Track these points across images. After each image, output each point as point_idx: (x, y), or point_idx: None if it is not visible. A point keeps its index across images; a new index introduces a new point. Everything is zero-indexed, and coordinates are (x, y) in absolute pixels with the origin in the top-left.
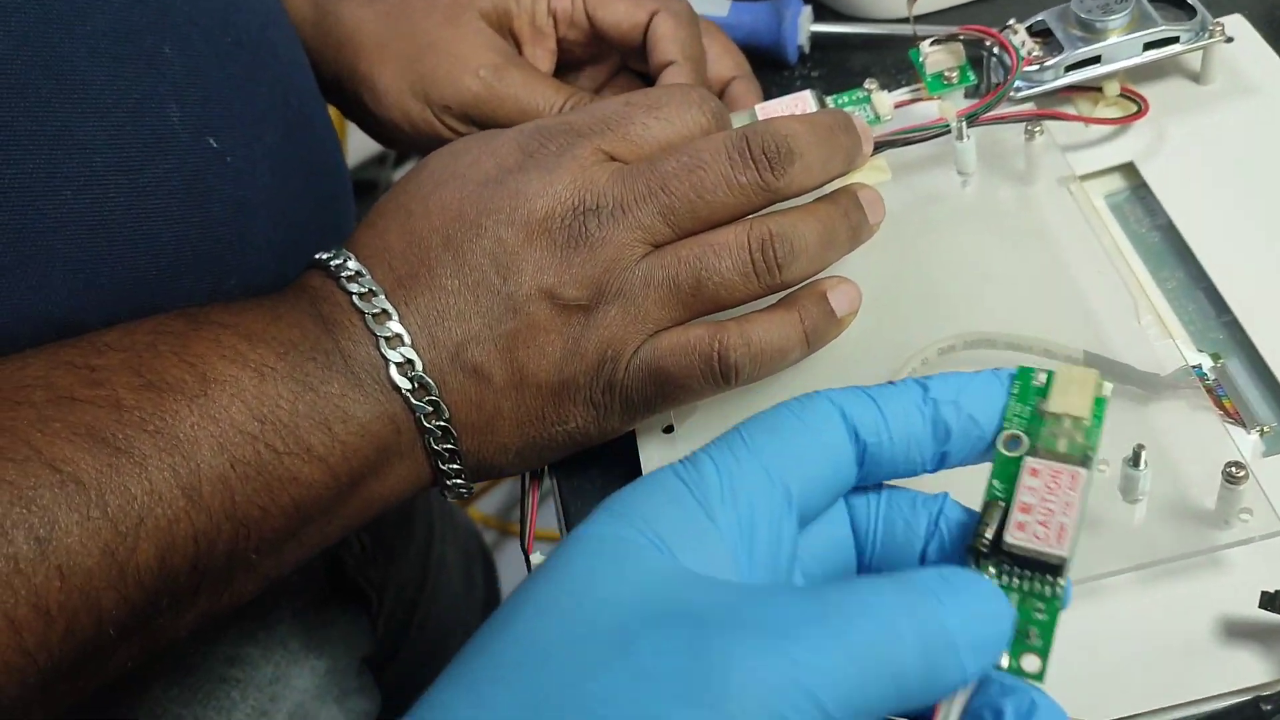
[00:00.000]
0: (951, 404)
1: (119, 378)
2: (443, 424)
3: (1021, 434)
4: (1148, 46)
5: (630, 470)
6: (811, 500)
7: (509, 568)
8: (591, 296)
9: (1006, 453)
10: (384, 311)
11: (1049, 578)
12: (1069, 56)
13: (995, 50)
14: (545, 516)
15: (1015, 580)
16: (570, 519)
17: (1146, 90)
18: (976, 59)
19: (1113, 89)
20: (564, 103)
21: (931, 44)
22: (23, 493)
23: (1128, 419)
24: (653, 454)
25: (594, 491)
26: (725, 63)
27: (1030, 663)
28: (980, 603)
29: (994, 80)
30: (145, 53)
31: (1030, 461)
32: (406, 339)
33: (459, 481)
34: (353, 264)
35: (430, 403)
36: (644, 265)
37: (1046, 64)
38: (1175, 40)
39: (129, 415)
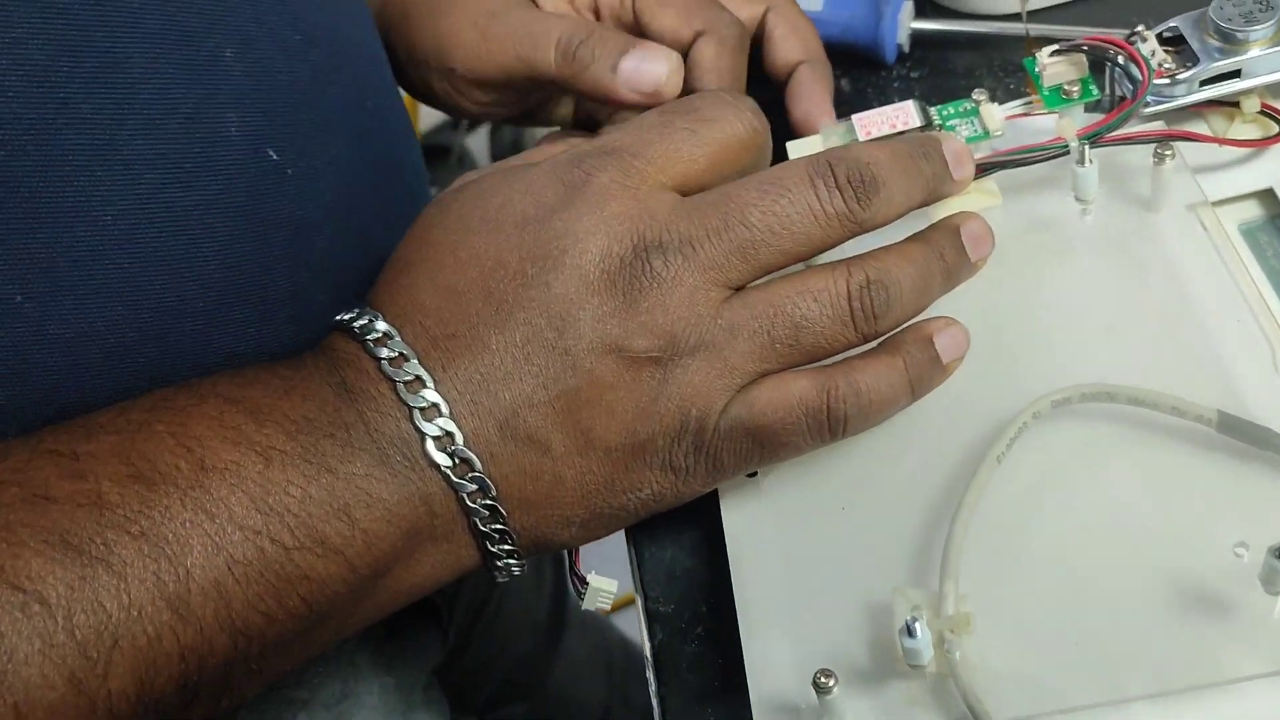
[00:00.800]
0: None
1: (105, 468)
2: (490, 502)
3: None
4: None
5: (710, 510)
6: None
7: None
8: (665, 348)
9: None
10: (417, 379)
11: None
12: (1204, 70)
13: (1121, 60)
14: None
15: None
16: (639, 545)
17: None
18: (1098, 66)
19: (1252, 105)
20: (567, 33)
21: (1051, 54)
22: None
23: (1269, 492)
24: (735, 497)
25: (668, 533)
26: (791, 44)
27: None
28: None
29: (1119, 94)
30: (204, 57)
31: None
32: (444, 408)
33: (511, 561)
34: (381, 324)
35: (475, 479)
36: (728, 312)
37: (1179, 77)
38: None
39: (110, 515)
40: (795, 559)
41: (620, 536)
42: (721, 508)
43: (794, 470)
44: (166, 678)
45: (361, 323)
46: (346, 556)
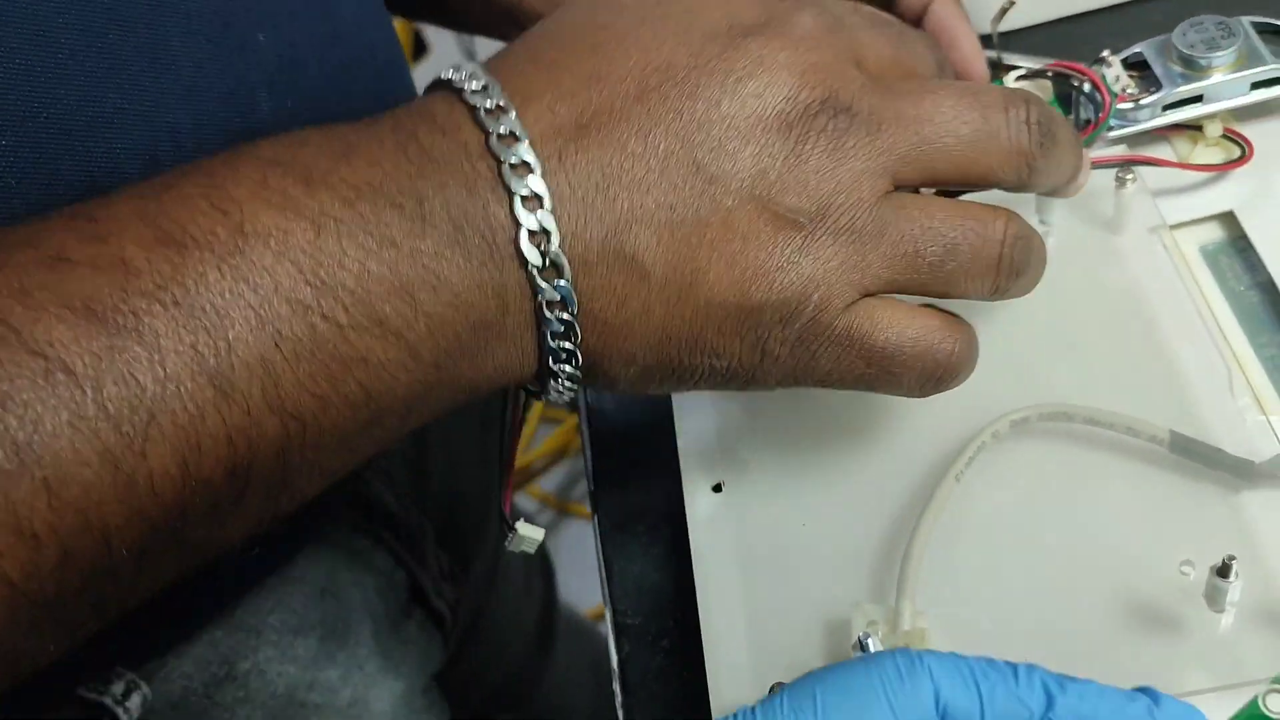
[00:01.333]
0: None
1: (128, 231)
2: (568, 317)
3: None
4: (1255, 86)
5: (673, 509)
6: None
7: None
8: (814, 216)
9: None
10: (524, 164)
11: None
12: (1167, 95)
13: (1086, 88)
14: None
15: None
16: (609, 559)
17: (1251, 131)
18: (1065, 94)
19: (1214, 130)
20: None
21: (1017, 79)
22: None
23: (1217, 512)
24: (699, 510)
25: (638, 550)
26: None
27: None
28: None
29: (1084, 118)
30: (238, 38)
31: None
32: (548, 202)
33: (566, 385)
34: (498, 95)
35: (560, 289)
36: (886, 207)
37: (1143, 102)
38: None
39: (137, 282)
40: (757, 573)
41: (591, 549)
42: (688, 522)
43: (758, 485)
44: (214, 461)
45: (474, 87)
46: (408, 341)
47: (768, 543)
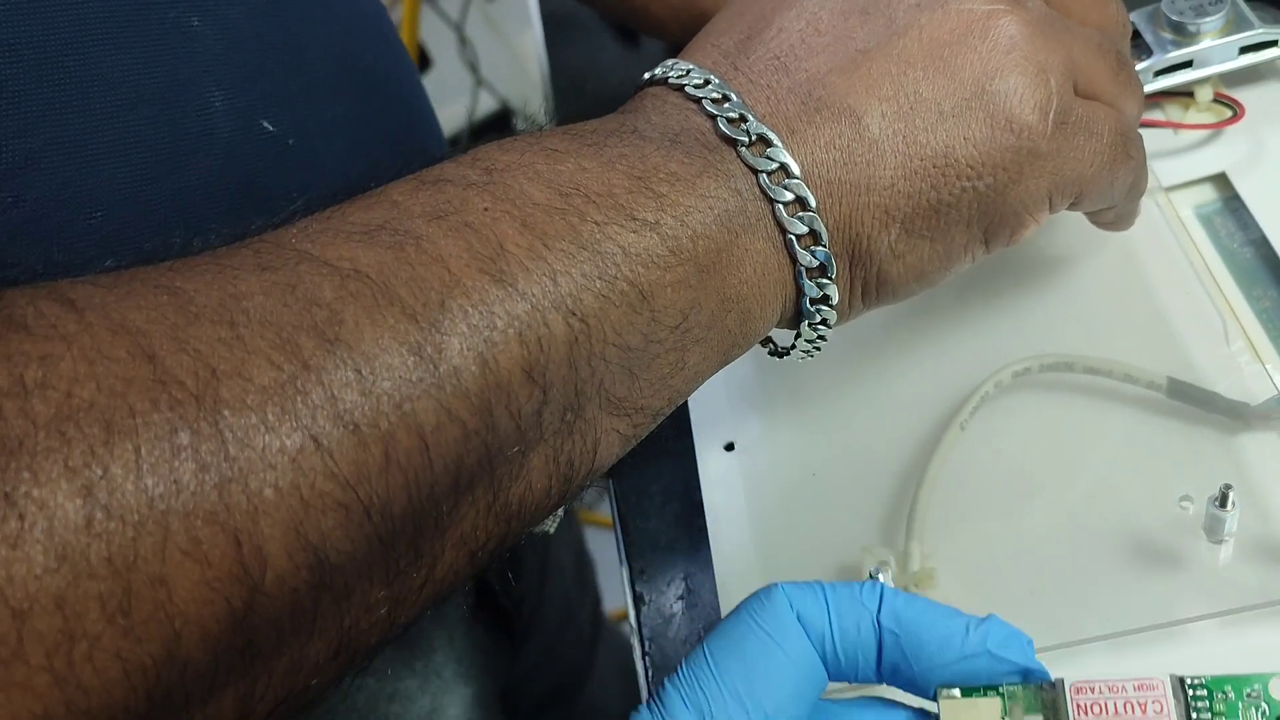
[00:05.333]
0: (893, 635)
1: (393, 191)
2: (795, 181)
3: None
4: (1244, 50)
5: (689, 484)
6: (791, 710)
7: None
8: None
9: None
10: (707, 81)
11: None
12: (1159, 61)
13: None
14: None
15: None
16: (630, 544)
17: (1242, 96)
18: None
19: (1205, 95)
20: None
21: None
22: (299, 291)
23: (1214, 451)
24: (712, 469)
25: (653, 509)
26: None
27: None
28: None
29: None
30: (168, 27)
31: None
32: (734, 96)
33: (825, 280)
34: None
35: (773, 155)
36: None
37: (1135, 68)
38: (1274, 44)
39: (401, 211)
40: (769, 522)
41: (602, 554)
42: (700, 480)
43: (768, 441)
44: (507, 360)
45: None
46: (661, 232)
47: (779, 494)
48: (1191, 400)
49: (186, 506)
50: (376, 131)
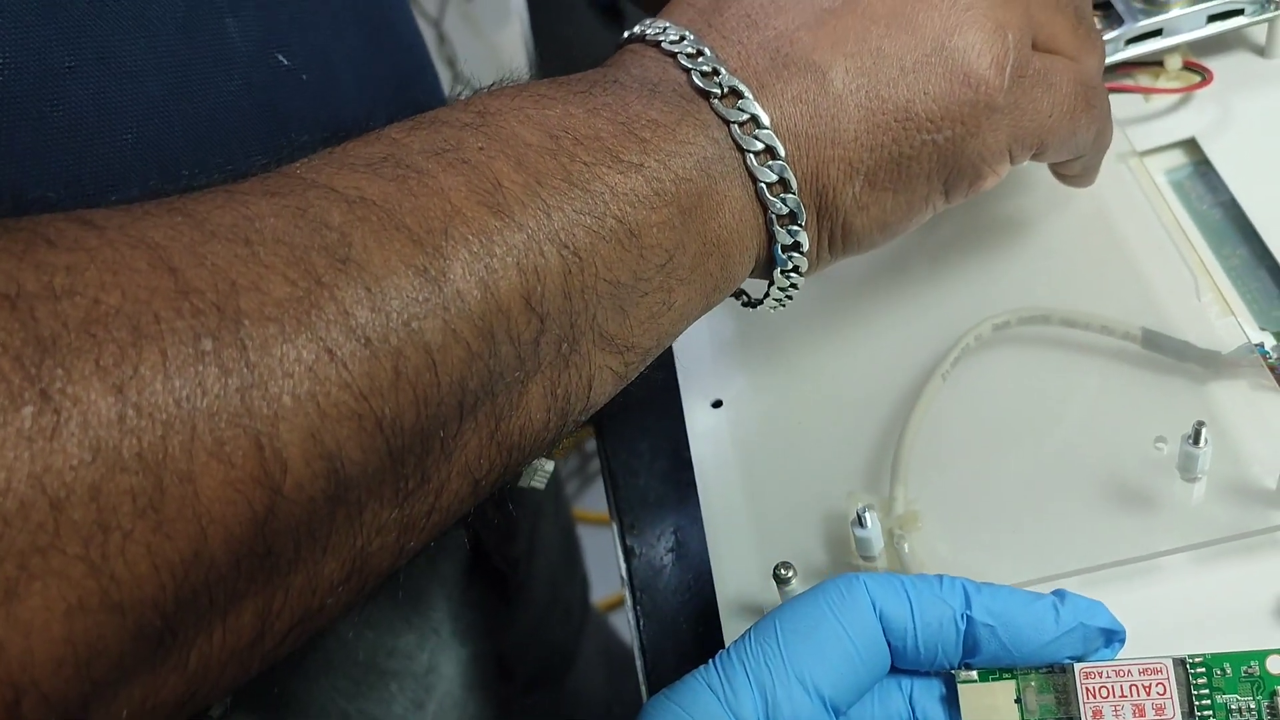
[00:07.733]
0: (989, 628)
1: (392, 131)
2: (766, 131)
3: None
4: (1211, 19)
5: (678, 441)
6: (847, 696)
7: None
8: None
9: None
10: (700, 51)
11: None
12: (1129, 29)
13: None
14: (594, 496)
15: None
16: (620, 500)
17: (1210, 64)
18: None
19: (1175, 63)
20: None
21: None
22: (309, 214)
23: (1187, 398)
24: (699, 425)
25: (642, 466)
26: None
27: None
28: None
29: None
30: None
31: None
32: (709, 52)
33: (796, 228)
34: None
35: (744, 107)
36: None
37: (1106, 37)
38: (1240, 12)
39: (401, 148)
40: (757, 474)
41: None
42: (689, 436)
43: (755, 396)
44: (507, 286)
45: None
46: (645, 174)
47: (766, 446)
48: (1165, 350)
49: (211, 408)
50: (383, 70)
